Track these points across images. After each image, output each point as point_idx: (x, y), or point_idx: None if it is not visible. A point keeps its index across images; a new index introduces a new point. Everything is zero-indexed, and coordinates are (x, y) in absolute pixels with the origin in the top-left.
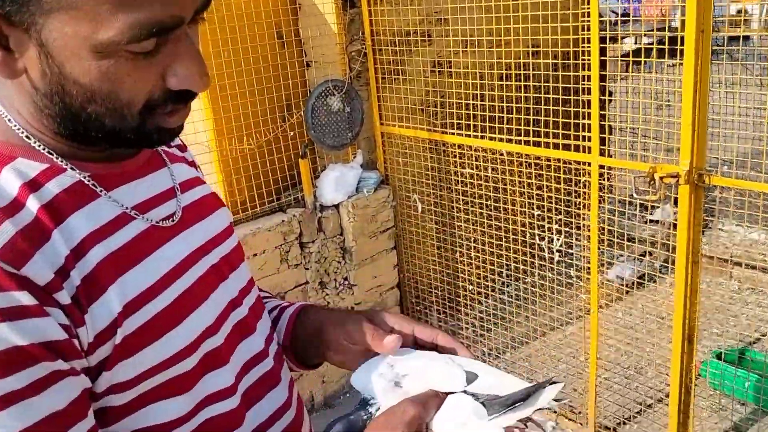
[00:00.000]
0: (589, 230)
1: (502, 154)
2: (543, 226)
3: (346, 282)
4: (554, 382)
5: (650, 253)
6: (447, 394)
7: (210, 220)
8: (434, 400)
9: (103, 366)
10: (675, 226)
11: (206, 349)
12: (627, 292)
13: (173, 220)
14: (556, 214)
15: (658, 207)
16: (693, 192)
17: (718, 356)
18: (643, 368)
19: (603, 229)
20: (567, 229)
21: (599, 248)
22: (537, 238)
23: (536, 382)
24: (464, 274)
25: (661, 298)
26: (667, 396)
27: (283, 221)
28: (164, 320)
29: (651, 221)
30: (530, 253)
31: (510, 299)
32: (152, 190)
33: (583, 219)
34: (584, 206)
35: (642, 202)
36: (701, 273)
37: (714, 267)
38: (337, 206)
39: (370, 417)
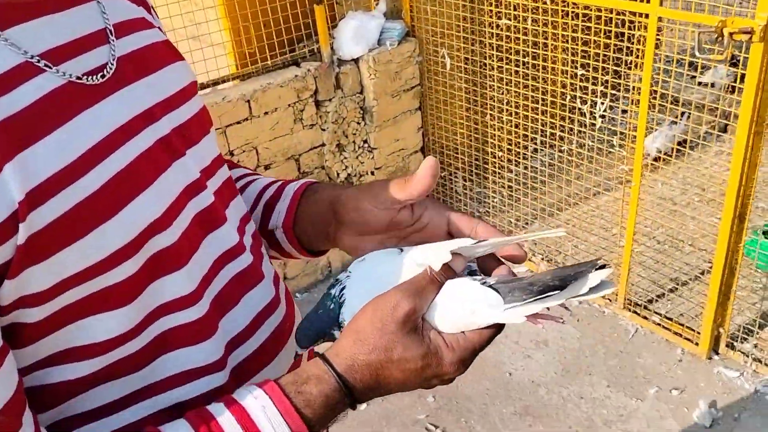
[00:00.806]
0: (638, 93)
1: (544, 3)
2: (586, 88)
3: (366, 145)
4: (601, 267)
5: (696, 118)
6: (446, 278)
7: (159, 76)
8: (431, 286)
9: (4, 273)
10: (731, 88)
11: (153, 249)
12: (665, 161)
13: (103, 76)
14: (603, 74)
15: (709, 68)
16: (766, 51)
17: (766, 233)
18: (679, 243)
19: (654, 92)
20: (614, 91)
21: (649, 113)
22: (578, 101)
23: (575, 264)
24: (494, 139)
25: (704, 169)
26: (703, 274)
27: (296, 76)
28: (89, 212)
29: (700, 84)
30: (569, 117)
31: (542, 167)
32: (71, 32)
33: (633, 80)
34: (636, 65)
35: (693, 61)
36: (764, 145)
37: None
38: (356, 61)
39: (337, 305)
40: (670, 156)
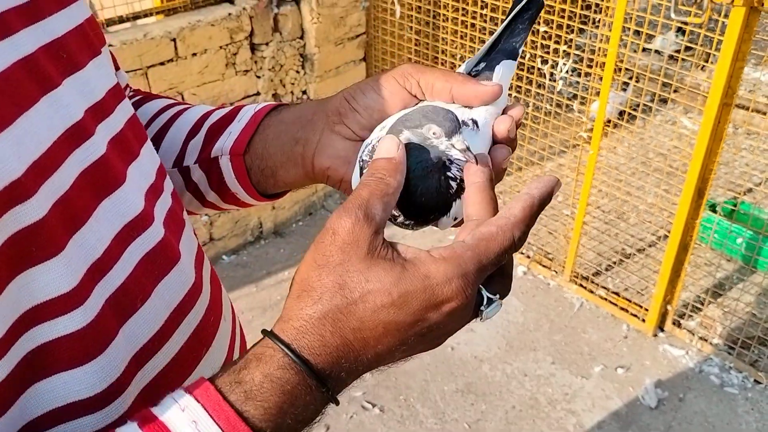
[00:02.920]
0: (605, 55)
1: None
2: (548, 47)
3: (305, 96)
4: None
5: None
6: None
7: None
8: (381, 184)
9: None
10: (673, 58)
11: (13, 227)
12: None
13: None
14: (567, 32)
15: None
16: (748, 16)
17: (712, 208)
18: (624, 214)
19: (621, 54)
20: (577, 52)
21: (610, 77)
22: (539, 60)
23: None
24: None
25: (649, 137)
26: (649, 246)
27: (230, 14)
28: None
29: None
30: (527, 78)
31: None
32: None
33: (601, 41)
34: (605, 24)
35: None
36: (731, 119)
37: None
38: (297, 1)
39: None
40: (619, 123)
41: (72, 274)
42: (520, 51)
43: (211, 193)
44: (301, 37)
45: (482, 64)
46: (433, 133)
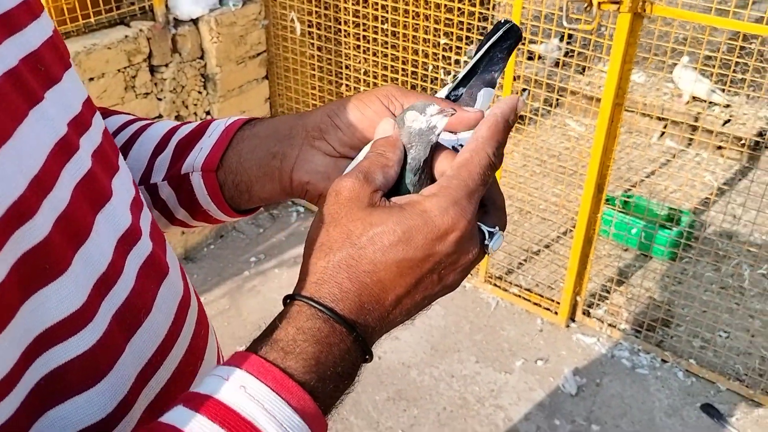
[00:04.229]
0: None
1: None
2: (449, 58)
3: (209, 116)
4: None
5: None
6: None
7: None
8: (384, 154)
9: None
10: (557, 63)
11: (21, 248)
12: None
13: None
14: (467, 44)
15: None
16: (633, 22)
17: (610, 202)
18: (528, 213)
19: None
20: None
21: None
22: (441, 72)
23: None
24: None
25: (541, 141)
26: (553, 242)
27: (126, 37)
28: None
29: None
30: (431, 89)
31: None
32: None
33: None
34: None
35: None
36: (623, 118)
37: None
38: (195, 21)
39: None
40: (520, 125)
41: (80, 291)
42: (498, 80)
43: (181, 210)
44: (202, 57)
45: (461, 89)
46: (411, 119)
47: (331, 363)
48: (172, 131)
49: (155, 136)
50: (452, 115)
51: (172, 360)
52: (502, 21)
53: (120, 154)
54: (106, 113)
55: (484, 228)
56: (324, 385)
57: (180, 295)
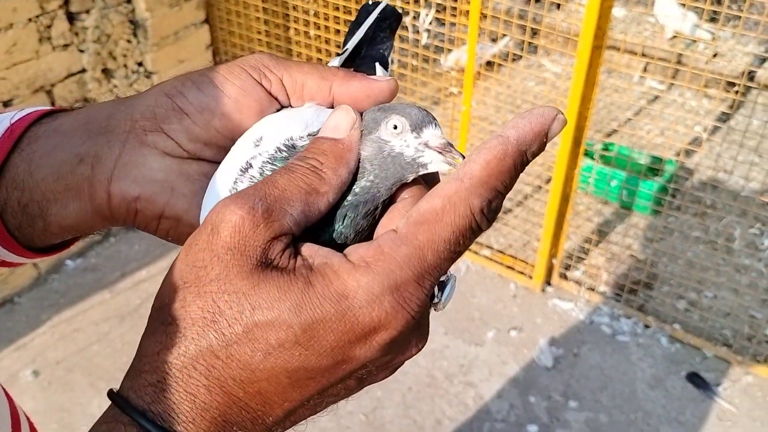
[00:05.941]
0: (468, 2)
1: None
2: None
3: (142, 68)
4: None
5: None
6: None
7: None
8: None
9: None
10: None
11: None
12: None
13: None
14: None
15: None
16: None
17: (589, 155)
18: None
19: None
20: (440, 1)
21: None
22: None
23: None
24: (300, 57)
25: (515, 84)
26: (525, 199)
27: None
28: None
29: None
30: None
31: None
32: None
33: None
34: None
35: None
36: (603, 62)
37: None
38: None
39: None
40: (487, 74)
41: None
42: (390, 59)
43: None
44: (129, 1)
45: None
46: (394, 127)
47: None
48: None
49: None
50: (453, 165)
51: None
52: (371, 2)
53: None
54: None
55: None
56: None
57: None
